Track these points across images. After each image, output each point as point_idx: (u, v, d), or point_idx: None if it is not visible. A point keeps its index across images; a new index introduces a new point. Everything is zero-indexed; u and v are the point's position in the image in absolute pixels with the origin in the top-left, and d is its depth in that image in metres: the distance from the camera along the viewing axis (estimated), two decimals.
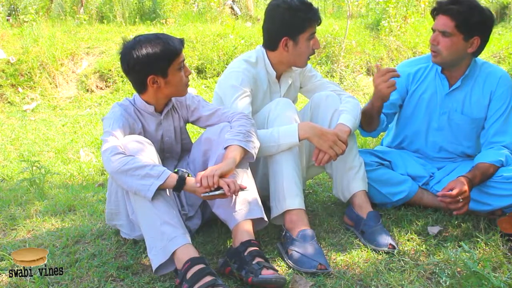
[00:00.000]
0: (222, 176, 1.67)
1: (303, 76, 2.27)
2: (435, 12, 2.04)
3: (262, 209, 1.80)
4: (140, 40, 1.75)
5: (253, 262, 1.60)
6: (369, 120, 2.18)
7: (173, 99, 1.93)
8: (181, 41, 1.81)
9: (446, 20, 1.98)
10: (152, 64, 1.73)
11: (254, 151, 1.82)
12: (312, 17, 2.03)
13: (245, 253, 1.64)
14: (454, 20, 1.96)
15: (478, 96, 2.11)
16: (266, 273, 1.56)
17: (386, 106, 2.17)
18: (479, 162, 2.01)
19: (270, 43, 2.09)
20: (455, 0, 1.98)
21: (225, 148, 1.78)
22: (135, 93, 1.90)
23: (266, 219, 1.80)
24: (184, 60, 1.81)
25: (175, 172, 1.68)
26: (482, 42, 2.03)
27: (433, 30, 2.05)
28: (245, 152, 1.80)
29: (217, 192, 1.65)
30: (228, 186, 1.65)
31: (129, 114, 1.83)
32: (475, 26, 1.97)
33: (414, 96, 2.21)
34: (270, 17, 2.08)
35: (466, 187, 1.88)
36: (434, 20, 2.06)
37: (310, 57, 2.11)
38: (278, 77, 2.18)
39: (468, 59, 2.09)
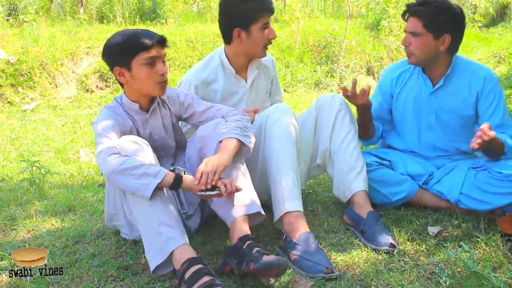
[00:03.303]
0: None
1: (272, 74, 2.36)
2: (405, 15, 2.12)
3: (259, 202, 1.80)
4: (117, 33, 1.79)
5: (253, 252, 1.60)
6: (364, 130, 2.27)
7: (164, 96, 1.92)
8: (157, 37, 1.76)
9: (414, 21, 2.05)
10: (116, 56, 1.76)
11: (250, 146, 1.83)
12: (262, 7, 2.05)
13: (244, 247, 1.64)
14: (421, 20, 2.03)
15: (465, 95, 2.14)
16: (267, 258, 1.56)
17: (375, 113, 2.29)
18: (496, 136, 1.97)
19: (225, 36, 2.15)
20: (423, 1, 2.04)
21: (220, 141, 1.78)
22: (122, 92, 1.91)
23: (263, 212, 1.79)
24: (157, 57, 1.76)
25: (171, 171, 1.68)
26: (455, 39, 2.07)
27: (405, 32, 2.11)
28: (241, 146, 1.80)
29: (213, 192, 1.65)
30: (225, 186, 1.66)
31: (118, 114, 1.83)
32: (443, 24, 2.03)
33: (399, 99, 2.27)
34: (221, 9, 2.14)
35: (493, 137, 1.86)
36: (406, 23, 2.12)
37: (268, 47, 2.15)
38: (242, 70, 2.21)
39: (445, 57, 2.12)
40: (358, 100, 2.13)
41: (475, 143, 1.84)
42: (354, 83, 2.13)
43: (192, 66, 2.28)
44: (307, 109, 2.28)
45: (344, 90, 2.12)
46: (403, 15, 2.14)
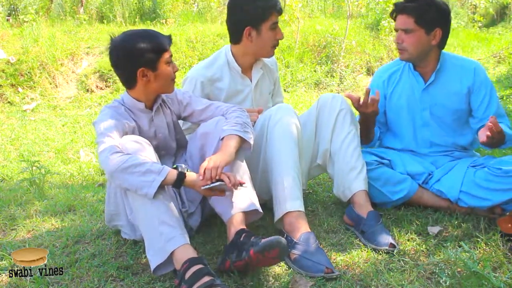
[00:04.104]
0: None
1: (275, 75, 2.38)
2: (394, 13, 2.16)
3: (257, 200, 1.81)
4: (130, 34, 1.78)
5: (251, 239, 1.61)
6: (366, 135, 2.30)
7: (163, 95, 1.94)
8: (169, 37, 1.84)
9: (405, 18, 2.10)
10: (144, 57, 1.75)
11: (251, 142, 1.84)
12: (273, 6, 2.08)
13: (241, 239, 1.65)
14: (413, 17, 2.08)
15: (456, 89, 2.17)
16: (266, 239, 1.56)
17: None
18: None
19: (234, 35, 2.15)
20: None
21: (222, 138, 1.79)
22: (122, 94, 1.91)
23: (260, 210, 1.80)
24: (171, 55, 1.84)
25: (174, 168, 1.69)
26: (444, 33, 2.13)
27: (396, 30, 2.15)
28: (242, 143, 1.81)
29: (217, 183, 1.66)
30: (229, 178, 1.67)
31: (120, 114, 1.83)
32: (433, 19, 2.09)
33: (392, 99, 2.30)
34: (232, 8, 2.13)
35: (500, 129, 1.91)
36: (395, 22, 2.16)
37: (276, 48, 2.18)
38: (248, 70, 2.22)
39: (435, 52, 2.17)
40: (369, 109, 2.15)
41: (484, 135, 1.87)
42: (368, 92, 2.13)
43: (198, 64, 2.28)
44: (308, 109, 2.28)
45: (357, 101, 2.13)
46: (391, 14, 2.17)
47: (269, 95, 2.34)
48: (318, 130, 2.17)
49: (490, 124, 1.86)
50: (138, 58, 1.75)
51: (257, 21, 2.07)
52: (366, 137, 2.33)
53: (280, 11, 2.11)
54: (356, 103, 2.14)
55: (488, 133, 1.86)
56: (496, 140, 1.96)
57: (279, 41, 2.16)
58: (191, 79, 2.17)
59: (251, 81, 2.23)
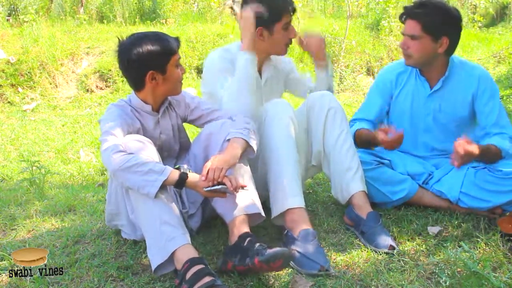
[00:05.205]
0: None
1: (288, 76, 2.34)
2: (403, 17, 2.11)
3: (260, 204, 1.81)
4: (139, 37, 1.77)
5: (255, 246, 1.61)
6: (369, 145, 2.26)
7: (169, 97, 1.94)
8: (177, 39, 1.84)
9: (413, 24, 2.05)
10: (153, 60, 1.75)
11: (255, 147, 1.84)
12: (286, 7, 2.06)
13: (245, 244, 1.64)
14: (420, 23, 2.03)
15: (461, 96, 2.16)
16: (271, 250, 1.57)
17: (377, 118, 2.28)
18: (491, 144, 2.01)
19: None
20: (421, 3, 2.05)
21: (227, 140, 1.79)
22: (129, 94, 1.91)
23: (263, 214, 1.80)
24: (180, 58, 1.84)
25: (177, 169, 1.69)
26: (453, 41, 2.08)
27: (403, 35, 2.10)
28: (247, 147, 1.81)
29: (219, 187, 1.66)
30: (230, 182, 1.67)
31: (126, 114, 1.83)
32: (441, 27, 2.03)
33: (398, 101, 2.27)
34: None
35: (476, 152, 1.89)
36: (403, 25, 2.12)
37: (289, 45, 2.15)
38: (259, 67, 2.18)
39: (443, 59, 2.13)
40: (394, 146, 2.07)
41: (454, 162, 1.88)
42: (396, 132, 2.06)
43: (214, 51, 2.24)
44: (297, 108, 2.25)
45: (383, 140, 2.06)
46: (400, 17, 2.13)
47: (278, 94, 2.32)
48: (309, 130, 2.14)
49: (456, 149, 1.85)
50: (148, 61, 1.74)
51: (270, 22, 2.04)
52: (368, 147, 2.29)
53: (294, 11, 2.09)
54: (382, 141, 2.06)
55: (459, 160, 1.86)
56: (487, 157, 1.96)
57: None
58: (214, 55, 2.13)
59: (261, 77, 2.20)
